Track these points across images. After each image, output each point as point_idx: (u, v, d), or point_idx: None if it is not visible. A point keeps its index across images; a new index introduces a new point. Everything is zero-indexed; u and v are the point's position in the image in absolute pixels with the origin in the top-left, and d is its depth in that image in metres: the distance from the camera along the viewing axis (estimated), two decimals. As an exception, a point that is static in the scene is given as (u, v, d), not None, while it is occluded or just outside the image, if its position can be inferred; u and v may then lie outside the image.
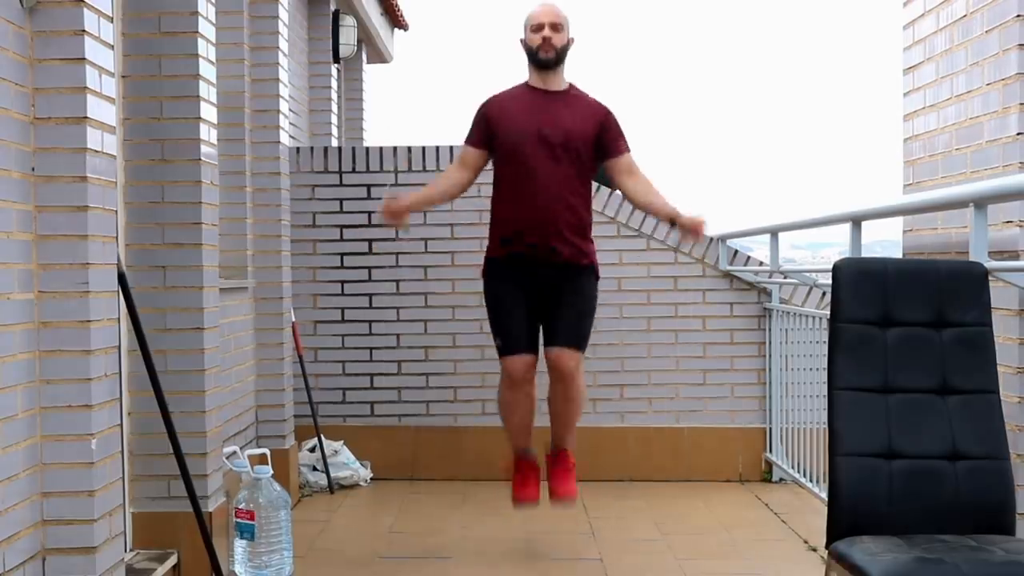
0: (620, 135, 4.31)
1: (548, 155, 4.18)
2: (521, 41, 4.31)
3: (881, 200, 3.92)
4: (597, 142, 4.26)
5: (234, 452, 3.97)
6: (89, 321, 2.81)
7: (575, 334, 4.25)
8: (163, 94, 3.76)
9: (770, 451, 5.67)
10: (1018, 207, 3.19)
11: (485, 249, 4.41)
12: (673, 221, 4.20)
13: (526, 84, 4.34)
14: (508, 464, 4.50)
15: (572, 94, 4.32)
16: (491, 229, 4.37)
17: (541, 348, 4.33)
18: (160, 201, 3.77)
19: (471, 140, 4.37)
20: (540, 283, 4.23)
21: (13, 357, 2.65)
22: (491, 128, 4.30)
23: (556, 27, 4.23)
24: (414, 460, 5.76)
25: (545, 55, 4.24)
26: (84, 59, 2.79)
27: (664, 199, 4.28)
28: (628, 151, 4.32)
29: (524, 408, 4.35)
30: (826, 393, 2.70)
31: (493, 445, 5.64)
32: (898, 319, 2.70)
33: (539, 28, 4.23)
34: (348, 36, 7.96)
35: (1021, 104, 3.21)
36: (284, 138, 5.35)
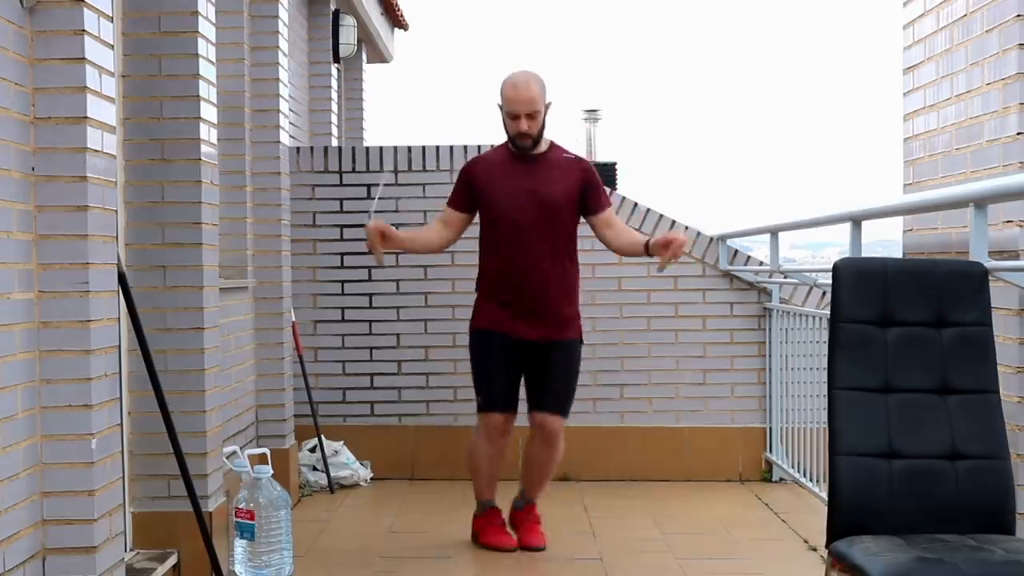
0: (601, 191, 4.37)
1: (533, 221, 4.21)
2: (499, 107, 4.28)
3: (881, 200, 3.92)
4: (580, 200, 4.30)
5: (234, 452, 3.97)
6: (89, 321, 2.81)
7: (561, 402, 4.34)
8: (163, 94, 3.77)
9: (770, 451, 5.67)
10: (1018, 207, 3.18)
11: (474, 305, 4.42)
12: (648, 248, 4.23)
13: (507, 147, 4.34)
14: (477, 523, 4.48)
15: (553, 155, 4.33)
16: (479, 293, 4.40)
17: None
18: (160, 201, 3.77)
19: (454, 203, 4.41)
20: (527, 354, 4.28)
21: (13, 357, 2.65)
22: (475, 193, 4.33)
23: (532, 115, 4.19)
24: (414, 460, 5.76)
25: (523, 143, 4.25)
26: (84, 59, 2.79)
27: (637, 235, 4.41)
28: (609, 205, 4.39)
29: (495, 460, 4.40)
30: (826, 393, 2.70)
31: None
32: (898, 319, 2.71)
33: (515, 117, 4.20)
34: (348, 36, 7.95)
35: (1021, 104, 3.20)
36: (284, 138, 5.35)
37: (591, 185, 4.32)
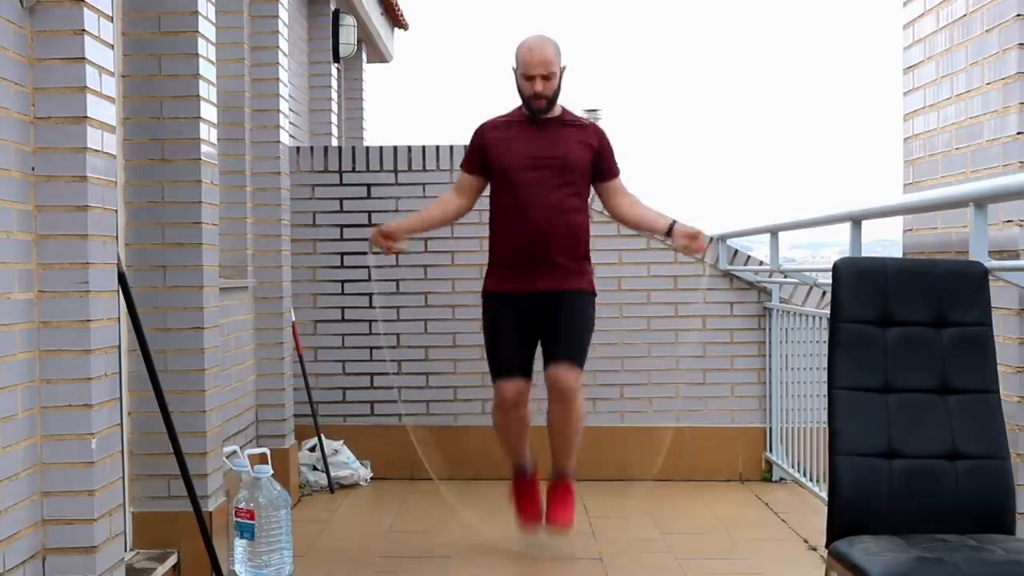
0: (613, 157, 4.33)
1: (543, 183, 4.17)
2: (513, 70, 4.25)
3: (881, 200, 3.91)
4: (593, 165, 4.27)
5: (234, 452, 3.97)
6: (89, 321, 2.81)
7: (573, 348, 4.23)
8: (163, 94, 3.77)
9: (770, 451, 5.67)
10: (1018, 207, 3.18)
11: (485, 274, 4.41)
12: (669, 233, 4.22)
13: (520, 110, 4.31)
14: (512, 489, 4.47)
15: (565, 119, 4.30)
16: (490, 258, 4.37)
17: (537, 369, 4.35)
18: (160, 201, 3.77)
19: (466, 166, 4.38)
20: (537, 311, 4.24)
21: (13, 357, 2.65)
22: (486, 155, 4.29)
23: (547, 77, 4.16)
24: (414, 460, 5.75)
25: (538, 105, 4.21)
26: (84, 59, 2.79)
27: (656, 212, 4.35)
28: (619, 173, 4.35)
29: (518, 429, 4.35)
30: (826, 392, 2.70)
31: (493, 445, 5.64)
32: (898, 319, 2.70)
33: (530, 78, 4.17)
34: (348, 36, 7.96)
35: (1021, 103, 3.20)
36: (284, 138, 5.35)
37: (604, 150, 4.29)
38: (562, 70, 4.22)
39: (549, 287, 4.20)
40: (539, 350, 4.38)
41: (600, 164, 4.28)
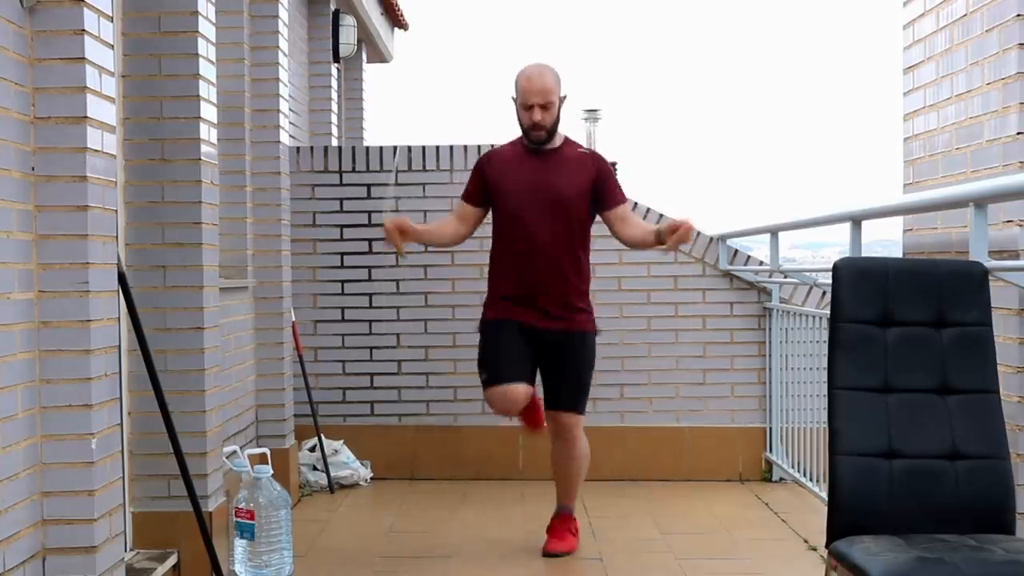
0: (616, 186, 4.31)
1: (545, 217, 4.16)
2: (513, 99, 4.25)
3: (881, 200, 3.91)
4: (594, 195, 4.25)
5: (234, 452, 3.97)
6: (89, 321, 2.81)
7: (575, 398, 4.29)
8: (163, 94, 3.77)
9: (770, 451, 5.67)
10: (1018, 207, 3.18)
11: (483, 303, 4.40)
12: (659, 236, 4.16)
13: (521, 142, 4.30)
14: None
15: (566, 149, 4.28)
16: (490, 287, 4.36)
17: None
18: (160, 201, 3.77)
19: (467, 197, 4.37)
20: (538, 340, 4.23)
21: (13, 357, 2.66)
22: (488, 187, 4.29)
23: (546, 106, 4.14)
24: (414, 460, 5.76)
25: (537, 136, 4.20)
26: (84, 59, 2.79)
27: (649, 226, 4.33)
28: (624, 200, 4.31)
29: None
30: (826, 392, 2.70)
31: (493, 445, 5.65)
32: (898, 319, 2.71)
33: (528, 107, 4.15)
34: (348, 36, 7.96)
35: (1021, 103, 3.20)
36: (284, 138, 5.35)
37: (605, 180, 4.26)
38: (561, 100, 4.20)
39: (551, 327, 4.21)
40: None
41: (601, 193, 4.25)
